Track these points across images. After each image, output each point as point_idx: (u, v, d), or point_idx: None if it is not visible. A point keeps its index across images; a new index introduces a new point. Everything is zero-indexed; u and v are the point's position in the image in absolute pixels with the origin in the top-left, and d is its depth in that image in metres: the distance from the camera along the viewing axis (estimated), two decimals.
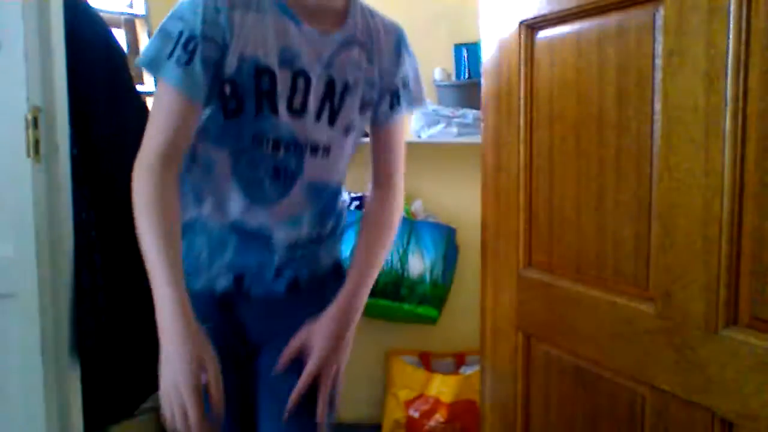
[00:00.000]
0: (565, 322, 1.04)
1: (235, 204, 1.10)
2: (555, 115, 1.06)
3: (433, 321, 2.32)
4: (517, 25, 1.10)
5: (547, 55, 1.07)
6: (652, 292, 0.89)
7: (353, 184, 2.45)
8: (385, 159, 1.22)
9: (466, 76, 2.33)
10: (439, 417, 2.28)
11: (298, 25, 1.04)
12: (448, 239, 2.34)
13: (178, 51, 0.98)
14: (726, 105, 0.76)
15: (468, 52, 2.31)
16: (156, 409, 2.23)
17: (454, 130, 2.27)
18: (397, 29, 1.18)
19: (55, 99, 1.51)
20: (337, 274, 1.26)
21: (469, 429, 2.26)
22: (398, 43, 1.17)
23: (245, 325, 1.15)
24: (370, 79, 1.12)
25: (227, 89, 1.02)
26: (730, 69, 0.75)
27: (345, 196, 2.45)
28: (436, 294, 2.28)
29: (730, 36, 0.75)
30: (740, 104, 0.75)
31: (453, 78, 2.38)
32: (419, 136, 2.33)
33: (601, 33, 0.95)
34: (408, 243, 2.30)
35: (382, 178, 1.23)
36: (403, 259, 2.27)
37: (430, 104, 2.32)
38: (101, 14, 1.79)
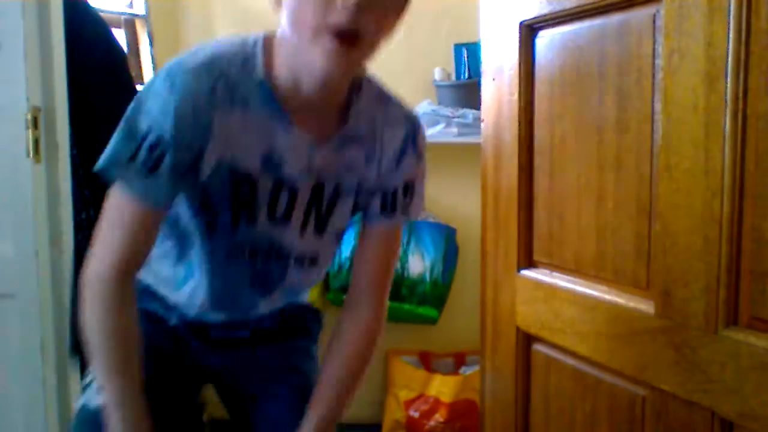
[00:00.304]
0: (565, 322, 1.04)
1: (204, 302, 0.98)
2: (555, 114, 1.06)
3: (433, 321, 2.32)
4: (517, 25, 1.10)
5: (547, 55, 1.07)
6: (652, 292, 0.89)
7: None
8: (371, 265, 1.04)
9: (466, 76, 2.33)
10: (439, 417, 2.28)
11: (288, 130, 0.87)
12: (448, 239, 2.34)
13: (143, 154, 0.81)
14: (726, 105, 0.76)
15: (468, 52, 2.31)
16: None
17: (454, 130, 2.27)
18: (409, 124, 0.97)
19: (55, 99, 1.51)
20: (309, 312, 1.18)
21: (469, 429, 2.26)
22: (406, 140, 0.97)
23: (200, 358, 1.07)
24: (367, 180, 0.96)
25: (200, 197, 0.87)
26: (730, 69, 0.75)
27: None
28: (436, 294, 2.28)
29: (730, 36, 0.75)
30: (740, 104, 0.75)
31: (453, 78, 2.38)
32: None
33: (601, 33, 0.95)
34: (408, 243, 2.30)
35: (368, 289, 1.04)
36: (403, 259, 2.27)
37: (430, 104, 2.32)
38: (101, 14, 1.79)
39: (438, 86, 2.38)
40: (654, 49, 0.87)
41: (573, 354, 1.03)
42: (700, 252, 0.80)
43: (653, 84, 0.87)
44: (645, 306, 0.90)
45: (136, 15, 2.32)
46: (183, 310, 1.01)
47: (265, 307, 1.02)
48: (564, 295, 1.04)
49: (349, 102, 0.92)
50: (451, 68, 2.39)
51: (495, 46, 1.17)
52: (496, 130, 1.18)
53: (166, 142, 0.81)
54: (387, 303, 1.07)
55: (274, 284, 0.98)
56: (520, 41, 1.10)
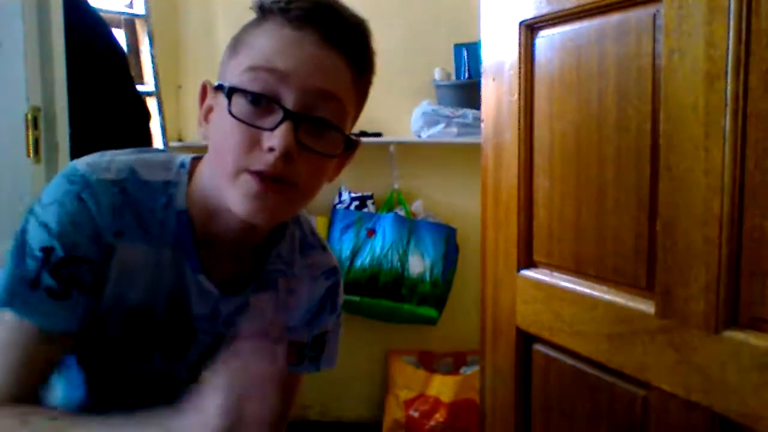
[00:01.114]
0: (565, 322, 1.04)
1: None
2: (555, 115, 1.06)
3: (433, 321, 2.33)
4: (517, 25, 1.10)
5: (547, 55, 1.07)
6: (652, 292, 0.89)
7: (353, 184, 2.46)
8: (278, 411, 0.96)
9: (466, 76, 2.33)
10: (439, 417, 2.28)
11: (196, 276, 0.78)
12: (448, 239, 2.34)
13: (46, 278, 0.70)
14: (726, 105, 0.76)
15: (468, 52, 2.31)
16: None
17: (454, 130, 2.27)
18: (329, 280, 0.92)
19: (55, 99, 1.51)
20: None
21: (469, 429, 2.26)
22: (324, 298, 0.93)
23: None
24: (273, 329, 0.89)
25: (92, 326, 0.76)
26: (730, 69, 0.75)
27: (345, 196, 2.47)
28: (436, 294, 2.28)
29: (730, 36, 0.75)
30: (740, 104, 0.75)
31: (453, 78, 2.38)
32: (419, 136, 2.33)
33: (601, 33, 0.95)
34: (408, 243, 2.30)
35: None
36: (403, 259, 2.28)
37: (430, 104, 2.32)
38: (101, 14, 1.79)
39: (438, 86, 2.38)
40: (654, 49, 0.87)
41: (573, 354, 1.03)
42: (700, 252, 0.80)
43: (653, 84, 0.87)
44: (645, 306, 0.90)
45: (136, 15, 2.33)
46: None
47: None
48: (564, 295, 1.04)
49: (269, 245, 0.84)
50: (451, 68, 2.39)
51: (495, 46, 1.17)
52: (496, 130, 1.18)
53: (75, 257, 0.71)
54: None
55: (166, 400, 0.86)
56: (520, 41, 1.10)
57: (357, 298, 2.30)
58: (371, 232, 2.33)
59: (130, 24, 2.34)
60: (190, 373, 0.84)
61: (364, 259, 2.29)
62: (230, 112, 0.68)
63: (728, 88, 0.76)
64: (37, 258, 0.70)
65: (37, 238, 0.71)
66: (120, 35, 2.24)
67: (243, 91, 0.69)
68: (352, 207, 2.41)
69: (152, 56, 2.32)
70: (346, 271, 2.29)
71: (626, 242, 0.93)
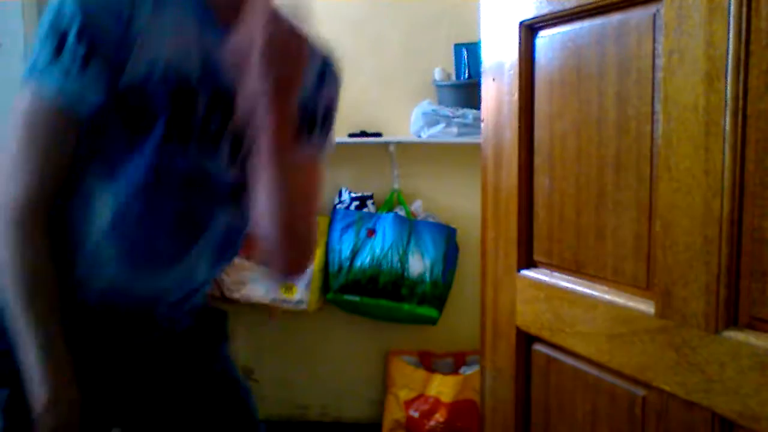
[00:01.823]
0: (565, 322, 1.04)
1: (106, 270, 0.85)
2: (555, 115, 1.06)
3: (433, 321, 2.33)
4: (517, 25, 1.10)
5: (547, 55, 1.07)
6: (652, 292, 0.89)
7: (353, 184, 2.46)
8: (306, 195, 0.94)
9: (466, 76, 2.33)
10: (439, 417, 2.28)
11: (220, 39, 0.80)
12: (448, 239, 2.34)
13: (65, 51, 0.75)
14: (726, 105, 0.76)
15: (468, 52, 2.31)
16: None
17: (454, 130, 2.27)
18: (324, 54, 0.94)
19: None
20: (216, 316, 1.08)
21: (469, 429, 2.26)
22: (324, 62, 0.95)
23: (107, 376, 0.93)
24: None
25: (127, 102, 0.79)
26: (730, 69, 0.75)
27: (345, 196, 2.47)
28: (436, 294, 2.28)
29: (730, 36, 0.75)
30: (740, 104, 0.75)
31: (453, 78, 2.38)
32: (419, 136, 2.33)
33: (601, 33, 0.95)
34: (408, 243, 2.30)
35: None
36: (403, 259, 2.28)
37: (430, 104, 2.32)
38: None
39: (438, 86, 2.38)
40: (654, 49, 0.87)
41: (573, 354, 1.03)
42: (700, 252, 0.80)
43: (653, 84, 0.87)
44: (645, 306, 0.90)
45: None
46: (87, 282, 0.87)
47: (184, 272, 0.90)
48: (564, 295, 1.04)
49: None
50: (451, 68, 2.39)
51: (495, 46, 1.17)
52: (496, 130, 1.18)
53: (90, 28, 0.75)
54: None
55: (199, 229, 0.87)
56: (520, 41, 1.10)
57: (357, 298, 2.30)
58: (371, 232, 2.33)
59: None
60: (224, 178, 0.87)
61: (364, 259, 2.28)
62: None
63: (728, 88, 0.76)
64: (59, 28, 0.75)
65: (58, 21, 0.76)
66: None
67: None
68: (352, 207, 2.41)
69: None
70: (346, 271, 2.29)
71: (626, 242, 0.93)
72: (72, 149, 0.79)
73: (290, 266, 0.93)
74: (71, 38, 0.75)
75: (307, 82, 0.90)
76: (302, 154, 0.89)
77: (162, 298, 0.93)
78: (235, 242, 0.97)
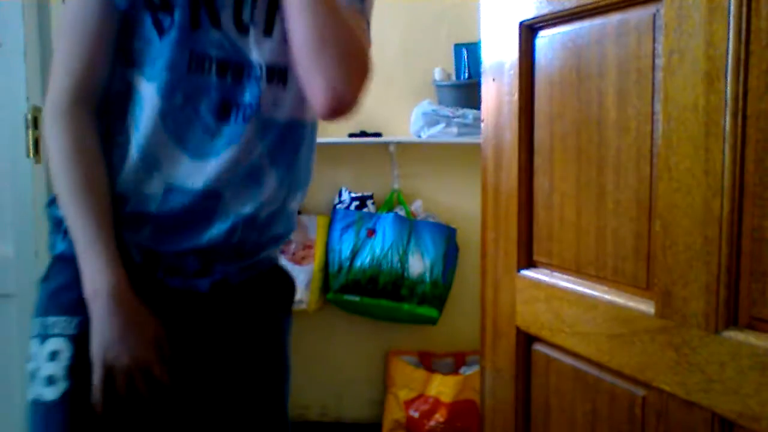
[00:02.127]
0: (565, 322, 1.04)
1: (167, 160, 0.85)
2: (555, 115, 1.06)
3: (433, 321, 2.33)
4: (517, 25, 1.10)
5: (547, 56, 1.07)
6: (652, 292, 0.89)
7: (353, 184, 2.46)
8: None
9: (466, 76, 2.33)
10: (439, 417, 2.28)
11: None
12: (448, 239, 2.34)
13: None
14: (726, 105, 0.76)
15: (468, 52, 2.31)
16: None
17: (454, 130, 2.27)
18: None
19: None
20: (280, 277, 1.01)
21: (469, 429, 2.26)
22: None
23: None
24: None
25: None
26: (730, 69, 0.75)
27: (345, 196, 2.47)
28: (436, 294, 2.28)
29: (730, 36, 0.75)
30: (740, 104, 0.75)
31: (453, 78, 2.38)
32: (419, 136, 2.33)
33: (601, 33, 0.95)
34: (408, 243, 2.30)
35: None
36: (403, 259, 2.28)
37: (430, 104, 2.32)
38: None
39: (438, 86, 2.38)
40: (654, 49, 0.87)
41: (573, 354, 1.03)
42: (700, 252, 0.80)
43: (653, 84, 0.87)
44: (645, 306, 0.90)
45: None
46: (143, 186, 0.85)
47: (244, 170, 0.86)
48: (564, 295, 1.04)
49: None
50: (451, 68, 2.39)
51: (495, 46, 1.17)
52: (496, 130, 1.18)
53: None
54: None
55: (246, 113, 0.84)
56: (520, 41, 1.10)
57: (357, 298, 2.30)
58: (371, 232, 2.33)
59: None
60: (265, 54, 0.85)
61: (364, 259, 2.28)
62: None
63: (728, 88, 0.76)
64: None
65: None
66: None
67: None
68: (352, 207, 2.41)
69: None
70: (346, 271, 2.29)
71: (626, 242, 0.93)
72: (112, 41, 0.83)
73: (336, 85, 0.81)
74: None
75: None
76: None
77: (227, 194, 0.86)
78: (298, 141, 0.91)
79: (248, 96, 0.85)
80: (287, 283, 1.04)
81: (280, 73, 0.86)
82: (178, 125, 0.84)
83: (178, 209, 0.86)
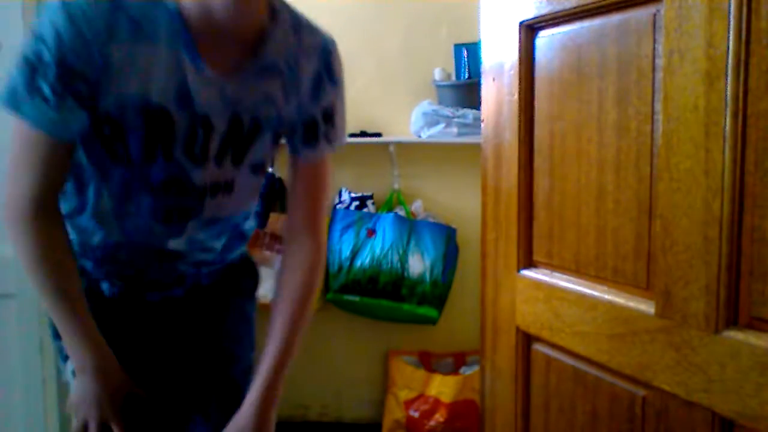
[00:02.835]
0: (565, 322, 1.04)
1: (122, 233, 0.96)
2: (555, 115, 1.06)
3: (433, 321, 2.33)
4: (517, 25, 1.10)
5: (547, 55, 1.07)
6: (652, 292, 0.89)
7: (353, 184, 2.46)
8: (306, 199, 1.03)
9: (466, 76, 2.33)
10: (439, 417, 2.28)
11: (197, 64, 0.85)
12: (448, 239, 2.34)
13: (40, 83, 0.79)
14: (726, 105, 0.76)
15: (468, 52, 2.31)
16: None
17: (454, 130, 2.27)
18: (323, 48, 0.97)
19: None
20: (245, 267, 1.16)
21: (469, 429, 2.26)
22: (323, 65, 0.97)
23: (144, 328, 1.07)
24: (287, 111, 0.95)
25: (107, 129, 0.85)
26: (730, 69, 0.75)
27: (345, 196, 2.47)
28: (436, 294, 2.28)
29: (730, 36, 0.75)
30: (740, 104, 0.75)
31: (453, 78, 2.38)
32: (419, 136, 2.33)
33: (601, 33, 0.95)
34: (408, 243, 2.30)
35: (304, 221, 1.04)
36: (403, 259, 2.27)
37: (430, 104, 2.32)
38: None
39: (438, 86, 2.38)
40: (654, 49, 0.87)
41: (573, 354, 1.03)
42: (700, 252, 0.80)
43: (653, 84, 0.87)
44: (645, 306, 0.90)
45: None
46: (104, 263, 0.99)
47: (184, 243, 0.99)
48: (564, 295, 1.04)
49: (263, 29, 0.88)
50: (451, 68, 2.39)
51: (495, 46, 1.17)
52: (496, 130, 1.18)
53: (62, 67, 0.78)
54: (325, 232, 1.07)
55: (187, 218, 0.95)
56: (520, 41, 1.10)
57: (357, 298, 2.29)
58: (371, 232, 2.33)
59: None
60: (212, 176, 0.93)
61: (364, 259, 2.28)
62: None
63: (728, 88, 0.76)
64: (32, 67, 0.79)
65: (32, 50, 0.79)
66: None
67: None
68: (352, 207, 2.41)
69: None
70: (346, 271, 2.29)
71: (626, 242, 0.93)
72: (65, 158, 0.86)
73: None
74: (47, 71, 0.79)
75: (304, 85, 0.95)
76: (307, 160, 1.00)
77: (175, 262, 1.01)
78: (232, 227, 1.04)
79: (190, 207, 0.94)
80: (251, 271, 1.18)
81: (225, 185, 0.96)
82: (124, 221, 0.94)
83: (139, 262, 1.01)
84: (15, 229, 0.86)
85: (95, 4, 0.79)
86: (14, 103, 0.80)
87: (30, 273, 0.88)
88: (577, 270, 1.03)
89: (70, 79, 0.79)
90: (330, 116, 1.00)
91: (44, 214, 0.86)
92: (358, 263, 2.29)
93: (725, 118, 0.76)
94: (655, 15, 0.86)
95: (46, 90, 0.79)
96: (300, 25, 0.94)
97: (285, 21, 0.92)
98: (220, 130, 0.90)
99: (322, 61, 0.96)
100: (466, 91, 2.30)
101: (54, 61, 0.78)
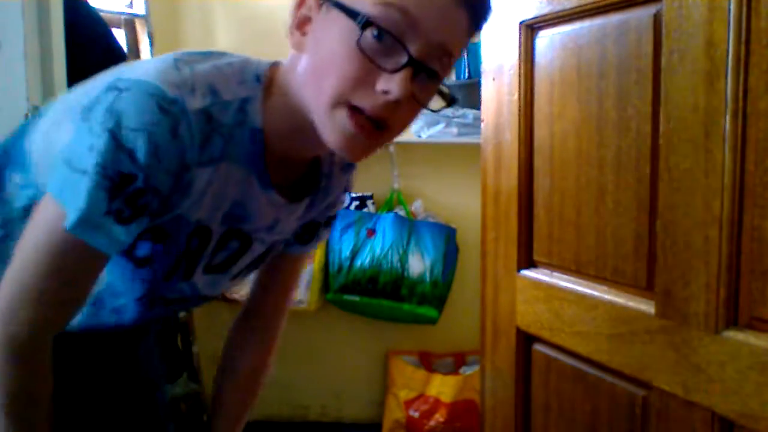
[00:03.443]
0: (565, 322, 1.04)
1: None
2: (555, 115, 1.06)
3: (433, 321, 2.33)
4: (517, 25, 1.10)
5: (547, 55, 1.07)
6: (652, 292, 0.89)
7: (353, 184, 2.46)
8: (282, 287, 0.99)
9: (466, 76, 2.33)
10: (439, 417, 2.28)
11: (265, 190, 0.76)
12: (448, 239, 2.34)
13: (122, 206, 0.63)
14: (726, 105, 0.76)
15: (468, 52, 2.31)
16: None
17: (454, 130, 2.27)
18: (351, 170, 0.92)
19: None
20: None
21: (469, 429, 2.26)
22: (346, 182, 0.93)
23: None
24: (300, 220, 0.89)
25: (148, 236, 0.72)
26: (730, 69, 0.75)
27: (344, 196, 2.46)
28: (436, 294, 2.28)
29: (730, 36, 0.75)
30: (740, 104, 0.75)
31: (453, 78, 2.38)
32: (419, 136, 2.33)
33: (602, 33, 0.95)
34: (408, 243, 2.30)
35: (272, 307, 1.00)
36: (403, 259, 2.27)
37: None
38: (101, 14, 1.79)
39: None
40: (654, 49, 0.87)
41: (573, 354, 1.03)
42: (700, 252, 0.80)
43: (653, 84, 0.87)
44: (645, 306, 0.90)
45: (136, 15, 2.32)
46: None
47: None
48: (564, 295, 1.04)
49: (319, 157, 0.83)
50: None
51: (495, 46, 1.17)
52: (496, 130, 1.18)
53: (146, 185, 0.64)
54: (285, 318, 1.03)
55: (175, 313, 0.94)
56: (520, 41, 1.10)
57: (357, 298, 2.29)
58: (371, 232, 2.33)
59: (130, 24, 2.34)
60: (218, 290, 0.87)
61: (364, 259, 2.28)
62: (359, 43, 0.63)
63: (728, 88, 0.76)
64: (115, 185, 0.62)
65: (118, 163, 0.62)
66: (120, 35, 2.24)
67: (378, 26, 0.63)
68: (352, 207, 2.41)
69: (152, 56, 2.32)
70: (346, 271, 2.29)
71: (626, 242, 0.93)
72: (94, 281, 0.70)
73: None
74: (134, 194, 0.63)
75: (328, 200, 0.91)
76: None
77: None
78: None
79: (182, 308, 0.91)
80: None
81: (215, 296, 0.90)
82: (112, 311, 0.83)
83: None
84: (2, 357, 0.67)
85: (198, 123, 0.65)
86: (86, 233, 0.63)
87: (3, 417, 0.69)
88: (577, 270, 1.03)
89: (149, 200, 0.65)
90: (332, 221, 0.97)
91: (42, 347, 0.68)
92: (358, 263, 2.29)
93: (725, 118, 0.76)
94: (655, 15, 0.86)
95: (126, 213, 0.64)
96: (348, 164, 0.90)
97: (334, 155, 0.86)
98: (255, 253, 0.84)
99: (346, 179, 0.92)
100: (466, 91, 2.30)
101: (145, 184, 0.63)
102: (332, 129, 0.66)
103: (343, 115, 0.65)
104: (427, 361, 2.47)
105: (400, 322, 2.41)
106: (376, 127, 0.66)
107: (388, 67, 0.64)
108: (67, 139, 0.65)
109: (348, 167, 0.91)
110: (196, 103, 0.66)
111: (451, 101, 0.73)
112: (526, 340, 1.14)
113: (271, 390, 2.91)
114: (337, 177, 0.89)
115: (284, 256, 0.96)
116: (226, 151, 0.70)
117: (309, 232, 0.94)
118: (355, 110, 0.65)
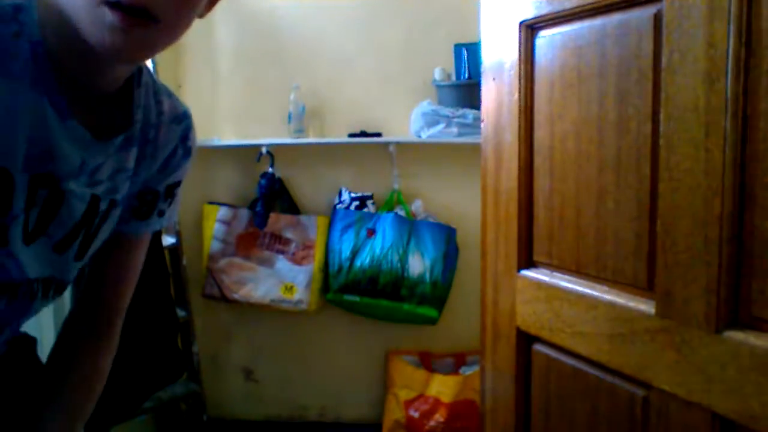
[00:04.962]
0: (565, 322, 1.04)
1: None
2: (555, 115, 1.06)
3: (433, 321, 2.33)
4: (517, 25, 1.10)
5: (547, 55, 1.07)
6: (652, 292, 0.89)
7: (353, 184, 2.46)
8: (117, 284, 0.87)
9: (466, 76, 2.33)
10: (439, 417, 2.28)
11: (62, 116, 0.66)
12: (448, 239, 2.34)
13: None
14: (726, 105, 0.76)
15: (468, 52, 2.31)
16: (156, 409, 2.23)
17: (454, 130, 2.27)
18: (183, 122, 0.84)
19: None
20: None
21: (469, 429, 2.26)
22: (179, 138, 0.84)
23: None
24: (134, 184, 0.79)
25: None
26: (730, 69, 0.75)
27: (345, 196, 2.47)
28: (436, 294, 2.28)
29: (730, 36, 0.75)
30: (740, 104, 0.75)
31: (453, 78, 2.38)
32: (419, 136, 2.33)
33: (602, 33, 0.95)
34: (408, 243, 2.30)
35: (107, 314, 0.88)
36: (403, 259, 2.28)
37: (430, 104, 2.32)
38: None
39: (438, 86, 2.38)
40: (654, 49, 0.87)
41: (573, 354, 1.03)
42: (701, 252, 0.80)
43: (653, 84, 0.87)
44: (645, 306, 0.90)
45: None
46: None
47: None
48: (564, 295, 1.04)
49: (128, 94, 0.74)
50: (451, 68, 2.39)
51: (495, 46, 1.17)
52: (496, 130, 1.18)
53: None
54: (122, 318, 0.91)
55: (7, 326, 0.77)
56: (520, 41, 1.10)
57: (357, 299, 2.30)
58: (371, 232, 2.33)
59: None
60: (51, 277, 0.75)
61: (364, 259, 2.29)
62: None
63: (728, 88, 0.76)
64: None
65: None
66: None
67: None
68: (352, 207, 2.41)
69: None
70: (346, 271, 2.30)
71: (626, 242, 0.93)
72: None
73: None
74: None
75: (157, 161, 0.82)
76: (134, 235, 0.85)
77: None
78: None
79: (14, 314, 0.77)
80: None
81: (54, 288, 0.78)
82: None
83: None
84: None
85: None
86: None
87: None
88: (577, 270, 1.03)
89: None
90: (172, 192, 0.86)
91: None
92: (358, 263, 2.29)
93: (725, 118, 0.76)
94: (655, 15, 0.86)
95: None
96: (159, 90, 0.81)
97: (148, 84, 0.78)
98: (75, 211, 0.72)
99: (180, 133, 0.83)
100: (466, 91, 2.30)
101: None
102: (92, 25, 0.60)
103: (102, 12, 0.59)
104: (427, 361, 2.47)
105: (400, 323, 2.42)
106: (139, 17, 0.60)
107: None
108: None
109: (181, 117, 0.83)
110: None
111: None
112: (526, 340, 1.14)
113: (270, 390, 2.92)
114: (166, 126, 0.81)
115: (121, 239, 0.84)
116: (4, 66, 0.62)
117: (147, 204, 0.84)
118: (114, 6, 0.59)
